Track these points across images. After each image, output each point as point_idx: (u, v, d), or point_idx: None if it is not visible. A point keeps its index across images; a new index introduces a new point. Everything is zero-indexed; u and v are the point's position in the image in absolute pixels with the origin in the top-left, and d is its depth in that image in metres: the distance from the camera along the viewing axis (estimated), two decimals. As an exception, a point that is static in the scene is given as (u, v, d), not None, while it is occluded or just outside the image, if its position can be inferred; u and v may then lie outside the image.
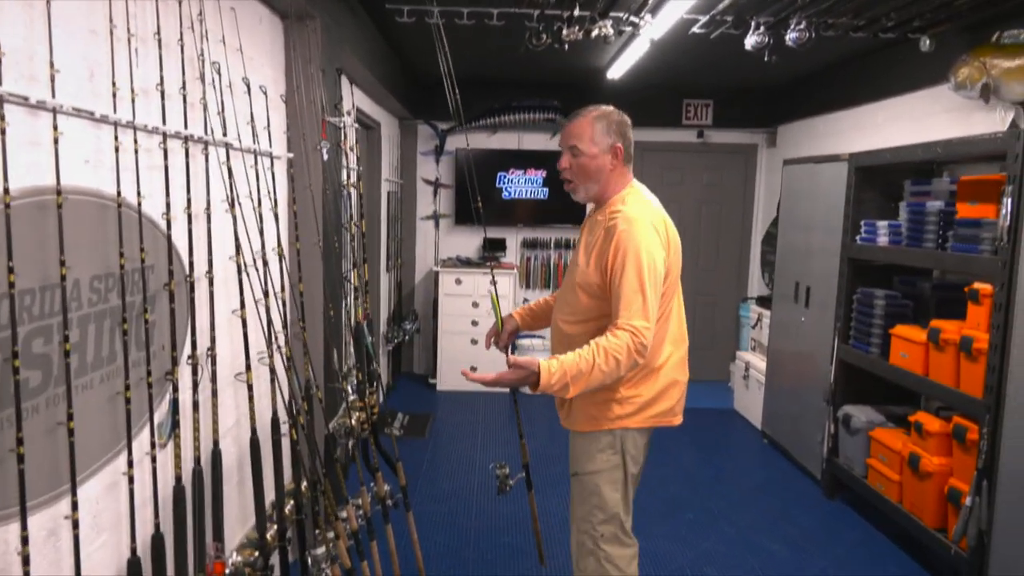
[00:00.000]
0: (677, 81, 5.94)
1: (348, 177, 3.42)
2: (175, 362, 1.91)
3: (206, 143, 2.13)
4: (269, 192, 2.58)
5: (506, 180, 6.33)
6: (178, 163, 2.00)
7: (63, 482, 1.50)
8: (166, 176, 1.86)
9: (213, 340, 2.12)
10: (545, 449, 4.49)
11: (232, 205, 2.20)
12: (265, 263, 2.44)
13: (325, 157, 3.05)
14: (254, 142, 2.50)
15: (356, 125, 3.67)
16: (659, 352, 2.17)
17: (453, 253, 6.49)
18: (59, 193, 1.41)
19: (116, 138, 1.64)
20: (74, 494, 1.46)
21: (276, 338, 2.39)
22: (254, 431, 2.29)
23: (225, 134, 2.22)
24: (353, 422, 3.14)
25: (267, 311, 2.43)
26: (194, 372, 2.02)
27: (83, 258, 1.58)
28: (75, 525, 1.46)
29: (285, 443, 2.55)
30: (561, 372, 1.93)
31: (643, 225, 2.06)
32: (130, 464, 1.69)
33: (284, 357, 2.59)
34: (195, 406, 2.02)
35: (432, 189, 6.47)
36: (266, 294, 2.43)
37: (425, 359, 6.63)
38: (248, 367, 2.26)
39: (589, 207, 2.35)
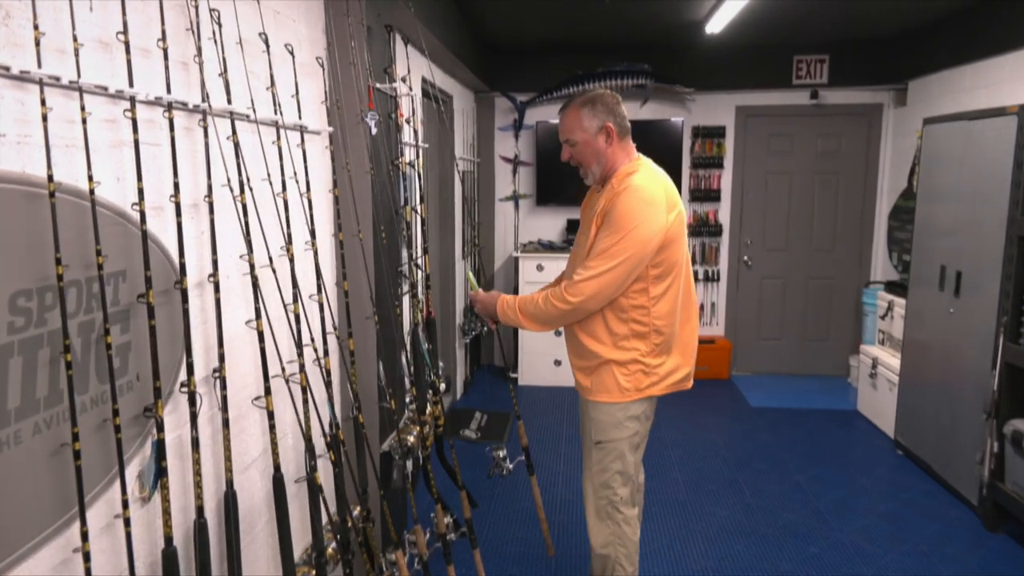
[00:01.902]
0: (786, 33, 5.15)
1: (404, 154, 2.94)
2: (158, 394, 1.49)
3: (204, 112, 1.70)
4: (295, 174, 2.13)
5: (591, 155, 5.72)
6: (158, 138, 1.57)
7: (-31, 580, 1.10)
8: (137, 154, 1.42)
9: (222, 359, 1.70)
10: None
11: (242, 190, 1.77)
12: (291, 261, 2.01)
13: (373, 131, 2.59)
14: (275, 112, 2.05)
15: (412, 93, 3.19)
16: (672, 319, 2.21)
17: (535, 237, 5.98)
18: (-69, 180, 0.99)
19: (43, 103, 1.20)
20: (-24, 601, 1.05)
21: (302, 353, 1.95)
22: (277, 468, 1.87)
23: (230, 101, 1.78)
24: (412, 439, 2.71)
25: (296, 320, 2.00)
26: (191, 402, 1.60)
27: (-2, 268, 1.16)
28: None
29: (327, 472, 2.13)
30: (513, 307, 2.27)
31: (646, 194, 2.10)
32: (84, 537, 1.27)
33: (316, 374, 2.17)
34: (195, 444, 1.60)
35: (511, 167, 5.96)
36: (295, 299, 2.00)
37: (505, 351, 6.17)
38: (268, 391, 1.83)
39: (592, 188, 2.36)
